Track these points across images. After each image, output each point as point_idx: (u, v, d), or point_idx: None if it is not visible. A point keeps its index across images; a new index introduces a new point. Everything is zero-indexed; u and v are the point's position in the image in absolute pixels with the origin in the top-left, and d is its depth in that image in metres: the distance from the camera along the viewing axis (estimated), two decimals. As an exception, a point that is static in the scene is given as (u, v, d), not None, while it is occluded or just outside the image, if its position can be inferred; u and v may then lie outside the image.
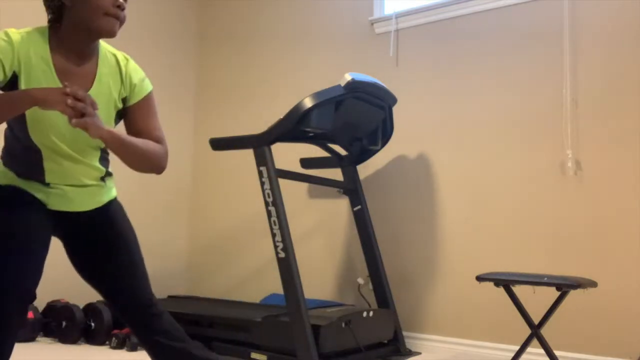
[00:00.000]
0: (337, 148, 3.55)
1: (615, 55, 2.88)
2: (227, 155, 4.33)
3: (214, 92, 4.49)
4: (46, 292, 3.53)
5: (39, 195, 1.53)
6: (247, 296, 4.03)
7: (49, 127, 1.45)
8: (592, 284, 2.31)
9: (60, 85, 1.40)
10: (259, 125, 3.83)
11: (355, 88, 2.88)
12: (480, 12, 3.29)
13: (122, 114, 1.61)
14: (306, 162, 3.62)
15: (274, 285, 3.83)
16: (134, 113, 1.58)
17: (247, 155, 4.06)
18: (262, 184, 2.84)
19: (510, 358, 2.50)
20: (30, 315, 3.17)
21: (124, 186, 3.95)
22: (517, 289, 2.89)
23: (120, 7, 1.44)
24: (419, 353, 3.20)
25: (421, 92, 3.46)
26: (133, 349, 3.05)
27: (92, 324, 3.20)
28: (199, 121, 4.57)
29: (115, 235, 1.63)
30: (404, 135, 3.48)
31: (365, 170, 3.58)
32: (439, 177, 3.35)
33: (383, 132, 3.28)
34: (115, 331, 3.16)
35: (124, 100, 1.57)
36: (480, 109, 3.25)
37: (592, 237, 2.86)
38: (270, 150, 2.86)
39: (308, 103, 2.77)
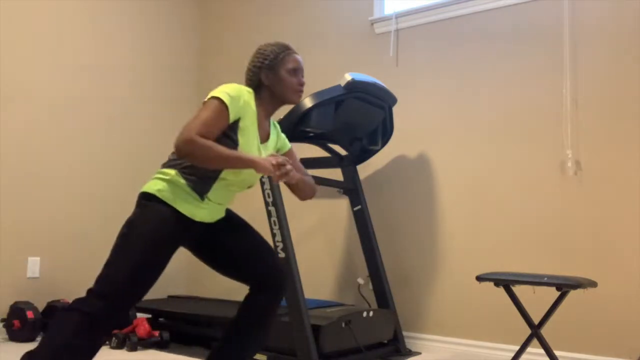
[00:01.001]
0: (337, 148, 3.55)
1: (615, 55, 2.88)
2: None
3: (214, 92, 4.48)
4: (46, 292, 3.53)
5: (190, 208, 1.89)
6: (247, 296, 4.02)
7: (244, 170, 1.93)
8: (592, 284, 2.31)
9: (257, 134, 1.94)
10: (259, 125, 3.82)
11: (355, 88, 2.89)
12: (480, 12, 3.30)
13: None
14: (306, 162, 3.62)
15: (274, 285, 3.83)
16: (287, 156, 2.17)
17: (247, 155, 4.06)
18: (262, 184, 2.84)
19: (510, 358, 2.50)
20: (30, 315, 3.17)
21: (124, 186, 3.96)
22: (517, 289, 2.90)
23: (302, 86, 2.03)
24: (419, 353, 3.20)
25: (421, 92, 3.46)
26: (133, 349, 3.05)
27: (92, 324, 3.20)
28: (199, 121, 4.57)
29: (236, 223, 2.08)
30: (404, 135, 3.48)
31: (365, 170, 3.58)
32: (439, 177, 3.35)
33: (383, 132, 3.28)
34: (115, 331, 3.16)
35: (277, 150, 2.15)
36: (480, 109, 3.25)
37: (592, 237, 2.86)
38: (270, 150, 2.86)
39: (308, 103, 2.77)
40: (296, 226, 3.81)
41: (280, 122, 2.82)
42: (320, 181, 3.26)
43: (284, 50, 2.00)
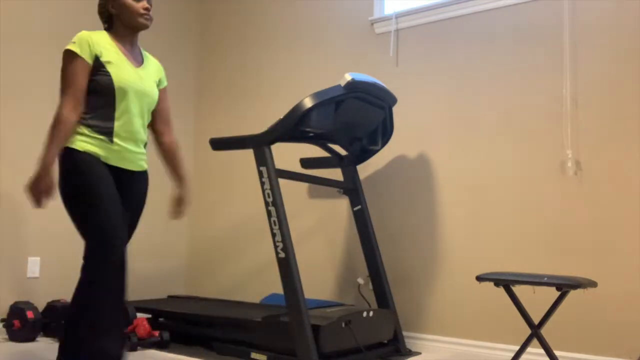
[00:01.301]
0: (337, 148, 3.55)
1: (615, 55, 2.88)
2: (227, 155, 4.33)
3: (214, 92, 4.49)
4: (46, 292, 3.53)
5: (103, 153, 2.10)
6: (247, 296, 4.03)
7: (128, 93, 2.15)
8: (592, 284, 2.31)
9: (127, 61, 2.18)
10: (259, 125, 3.83)
11: (355, 88, 2.89)
12: (480, 12, 3.30)
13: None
14: (306, 162, 3.62)
15: (274, 285, 3.84)
16: (159, 96, 2.36)
17: (247, 155, 4.06)
18: (262, 184, 2.84)
19: (510, 358, 2.50)
20: (30, 315, 3.17)
21: (124, 186, 3.96)
22: (517, 289, 2.90)
23: (148, 10, 2.22)
24: (419, 353, 3.20)
25: (421, 92, 3.46)
26: (133, 349, 3.05)
27: (92, 324, 3.20)
28: (199, 121, 4.58)
29: (138, 200, 2.31)
30: (404, 135, 3.48)
31: (365, 170, 3.58)
32: (439, 177, 3.35)
33: (383, 132, 3.28)
34: (115, 331, 3.16)
35: (157, 84, 2.34)
36: (480, 109, 3.25)
37: (592, 237, 2.86)
38: (270, 150, 2.86)
39: (308, 103, 2.77)
40: (296, 226, 3.81)
41: (280, 122, 2.82)
42: (320, 181, 3.27)
43: None
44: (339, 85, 2.86)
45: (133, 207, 2.27)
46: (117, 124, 2.12)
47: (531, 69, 3.11)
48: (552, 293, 2.37)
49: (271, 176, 2.81)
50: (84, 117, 2.10)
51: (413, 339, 3.30)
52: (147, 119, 2.28)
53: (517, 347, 2.71)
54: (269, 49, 4.19)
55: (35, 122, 3.56)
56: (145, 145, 2.31)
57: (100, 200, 2.03)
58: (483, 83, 3.25)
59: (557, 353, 2.83)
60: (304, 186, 3.85)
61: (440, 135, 3.37)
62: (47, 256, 3.56)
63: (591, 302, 2.82)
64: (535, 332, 2.37)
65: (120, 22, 2.21)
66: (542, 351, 2.44)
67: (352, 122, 3.09)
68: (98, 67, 2.10)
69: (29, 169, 3.51)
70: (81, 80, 2.07)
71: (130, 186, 2.23)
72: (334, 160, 3.47)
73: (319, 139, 3.26)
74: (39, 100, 3.57)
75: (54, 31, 3.67)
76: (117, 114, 2.12)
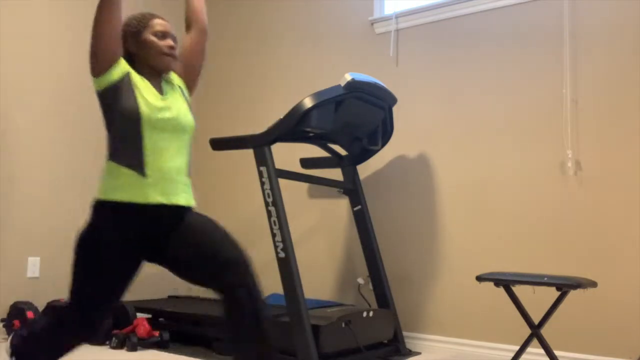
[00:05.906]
0: (337, 148, 3.55)
1: (615, 55, 2.88)
2: (227, 155, 4.33)
3: (214, 92, 4.49)
4: (46, 292, 3.53)
5: (135, 192, 1.71)
6: (247, 296, 4.02)
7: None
8: (592, 284, 2.31)
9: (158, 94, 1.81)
10: (259, 125, 3.82)
11: (355, 88, 2.88)
12: (480, 12, 3.30)
13: (189, 84, 2.08)
14: (306, 162, 3.62)
15: (274, 285, 3.83)
16: (188, 59, 2.11)
17: (247, 155, 4.06)
18: (262, 184, 2.84)
19: (510, 358, 2.50)
20: (30, 315, 3.17)
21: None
22: (517, 289, 2.90)
23: (172, 48, 1.85)
24: (419, 353, 3.20)
25: (421, 92, 3.46)
26: (133, 348, 3.05)
27: (92, 324, 3.20)
28: (199, 121, 4.57)
29: (200, 222, 2.04)
30: (404, 135, 3.48)
31: (365, 170, 3.58)
32: (439, 177, 3.35)
33: (383, 132, 3.28)
34: (116, 331, 3.16)
35: (183, 89, 1.98)
36: (480, 109, 3.25)
37: (592, 237, 2.86)
38: (270, 150, 2.86)
39: (308, 103, 2.77)
40: (296, 226, 3.81)
41: (280, 122, 2.83)
42: (320, 181, 3.27)
43: (147, 16, 1.88)
44: (339, 85, 2.86)
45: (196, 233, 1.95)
46: (148, 155, 1.80)
47: (531, 69, 3.11)
48: (552, 293, 2.37)
49: (271, 176, 2.81)
50: (111, 149, 1.82)
51: (413, 339, 3.30)
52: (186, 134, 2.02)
53: (517, 347, 2.71)
54: (268, 48, 4.19)
55: (36, 124, 3.56)
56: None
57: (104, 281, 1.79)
58: (483, 83, 3.25)
59: (557, 353, 2.83)
60: (304, 186, 3.85)
61: (440, 135, 3.37)
62: (47, 256, 3.56)
63: (591, 302, 2.82)
64: (535, 332, 2.37)
65: (140, 62, 1.84)
66: (542, 351, 2.44)
67: (352, 122, 3.09)
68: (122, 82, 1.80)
69: (29, 169, 3.51)
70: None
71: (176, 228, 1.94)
72: (334, 160, 3.47)
73: (319, 139, 3.26)
74: (40, 102, 3.57)
75: (57, 29, 3.67)
76: (147, 139, 1.78)
